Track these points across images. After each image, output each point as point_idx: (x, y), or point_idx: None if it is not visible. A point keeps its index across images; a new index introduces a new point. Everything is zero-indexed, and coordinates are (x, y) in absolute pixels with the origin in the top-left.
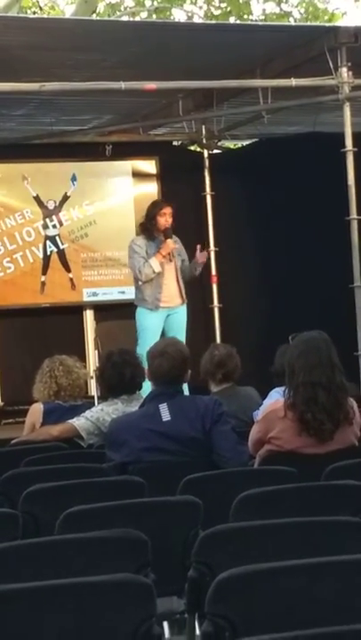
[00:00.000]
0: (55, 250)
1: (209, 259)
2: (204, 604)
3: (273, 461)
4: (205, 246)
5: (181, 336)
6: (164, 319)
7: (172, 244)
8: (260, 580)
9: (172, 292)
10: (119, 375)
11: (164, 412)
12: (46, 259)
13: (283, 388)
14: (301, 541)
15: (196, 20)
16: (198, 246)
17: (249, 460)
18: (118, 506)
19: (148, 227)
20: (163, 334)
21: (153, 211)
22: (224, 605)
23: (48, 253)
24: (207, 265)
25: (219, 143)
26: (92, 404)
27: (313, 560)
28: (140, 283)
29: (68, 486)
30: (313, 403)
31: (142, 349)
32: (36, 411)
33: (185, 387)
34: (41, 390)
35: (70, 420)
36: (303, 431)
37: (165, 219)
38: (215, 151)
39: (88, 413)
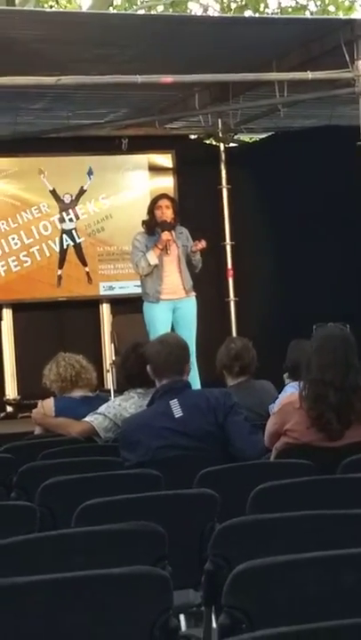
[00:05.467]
0: (72, 244)
1: (225, 252)
2: (220, 596)
3: (289, 454)
4: (201, 238)
5: (191, 329)
6: (170, 311)
7: (167, 235)
8: (277, 572)
9: (174, 284)
10: (141, 367)
11: (176, 409)
12: (63, 252)
13: (297, 383)
14: (318, 534)
15: (212, 13)
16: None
17: (265, 451)
18: (135, 499)
19: (147, 221)
20: (172, 328)
21: (150, 205)
22: (241, 598)
23: (65, 247)
24: (223, 258)
25: (235, 137)
26: (107, 397)
27: (330, 552)
28: (141, 277)
29: (85, 479)
30: (322, 401)
31: None
32: (48, 406)
33: (197, 380)
34: (60, 372)
35: (88, 419)
36: (313, 426)
37: (162, 211)
38: (231, 145)
39: (106, 409)
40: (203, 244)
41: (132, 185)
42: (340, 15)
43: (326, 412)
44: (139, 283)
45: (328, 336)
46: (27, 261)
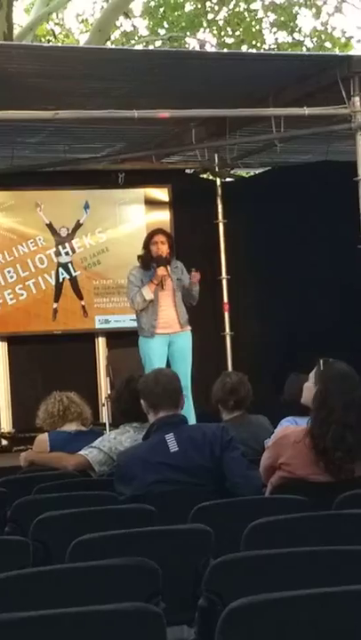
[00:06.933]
0: (67, 277)
1: (220, 286)
2: (214, 633)
3: (285, 489)
4: (196, 269)
5: (187, 363)
6: (165, 345)
7: (163, 270)
8: (272, 609)
9: (169, 318)
10: (135, 401)
11: (172, 443)
12: (59, 286)
13: (293, 418)
14: (313, 570)
15: (209, 48)
16: (192, 269)
17: (262, 487)
18: (129, 534)
19: (143, 256)
20: (168, 363)
21: (146, 240)
22: (235, 634)
23: (60, 280)
24: (219, 292)
25: (231, 171)
26: (102, 431)
27: (325, 589)
28: (137, 312)
29: (79, 514)
30: (341, 442)
31: None
32: (43, 441)
33: (192, 415)
34: (48, 410)
35: (83, 452)
36: (320, 462)
37: (157, 247)
38: (228, 179)
39: (100, 443)
40: (198, 275)
41: (129, 219)
42: (337, 52)
43: (344, 453)
44: (134, 316)
45: (345, 377)
46: (22, 294)
